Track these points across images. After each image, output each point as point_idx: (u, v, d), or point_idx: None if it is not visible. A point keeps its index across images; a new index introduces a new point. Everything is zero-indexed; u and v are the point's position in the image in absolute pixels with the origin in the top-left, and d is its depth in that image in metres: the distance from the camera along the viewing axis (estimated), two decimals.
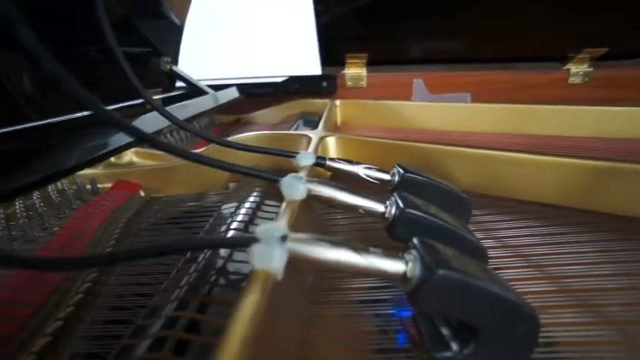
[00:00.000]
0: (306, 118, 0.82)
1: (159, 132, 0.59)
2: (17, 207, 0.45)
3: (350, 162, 0.39)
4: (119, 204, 0.49)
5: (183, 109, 0.63)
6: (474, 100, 0.96)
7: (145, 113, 0.52)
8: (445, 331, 0.20)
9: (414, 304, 0.19)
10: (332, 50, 0.96)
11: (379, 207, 0.28)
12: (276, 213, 0.33)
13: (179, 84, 0.82)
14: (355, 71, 0.99)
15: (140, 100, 0.57)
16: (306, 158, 0.38)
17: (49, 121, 0.43)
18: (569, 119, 0.69)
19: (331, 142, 0.54)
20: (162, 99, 0.73)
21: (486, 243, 0.34)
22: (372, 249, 0.20)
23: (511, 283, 0.28)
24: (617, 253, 0.31)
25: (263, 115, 0.96)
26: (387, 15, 0.89)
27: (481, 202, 0.42)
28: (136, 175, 0.56)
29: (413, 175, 0.35)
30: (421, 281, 0.18)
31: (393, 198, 0.28)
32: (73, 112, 0.45)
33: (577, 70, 0.92)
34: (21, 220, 0.43)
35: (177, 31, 0.88)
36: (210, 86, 0.81)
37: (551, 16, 0.85)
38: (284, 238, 0.19)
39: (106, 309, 0.31)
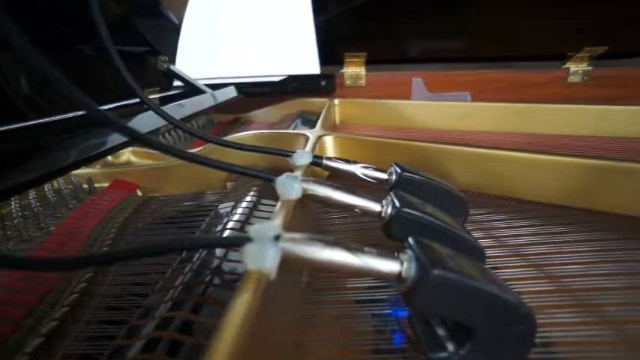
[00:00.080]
0: (304, 117, 0.82)
1: (156, 131, 0.59)
2: (13, 206, 0.45)
3: (347, 161, 0.38)
4: (116, 203, 0.48)
5: (181, 108, 0.63)
6: (474, 99, 0.95)
7: (142, 112, 0.52)
8: (441, 332, 0.20)
9: (409, 304, 0.19)
10: (331, 49, 0.95)
11: (375, 206, 0.28)
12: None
13: (177, 83, 0.82)
14: (354, 70, 0.98)
15: (138, 99, 0.57)
16: (302, 157, 0.38)
17: (45, 120, 0.43)
18: (569, 118, 0.69)
19: (329, 141, 0.54)
20: (160, 98, 0.73)
21: (485, 242, 0.34)
22: (366, 249, 0.20)
23: (509, 283, 0.28)
24: (616, 253, 0.30)
25: (262, 114, 0.97)
26: (386, 13, 0.89)
27: (480, 201, 0.42)
28: (134, 174, 0.55)
29: (410, 174, 0.34)
30: (416, 281, 0.18)
31: (389, 197, 0.28)
32: (70, 112, 0.45)
33: (576, 68, 0.92)
34: (16, 220, 0.42)
35: (175, 29, 0.88)
36: (208, 85, 0.81)
37: (550, 14, 0.85)
38: (277, 238, 0.19)
39: (101, 309, 0.31)
